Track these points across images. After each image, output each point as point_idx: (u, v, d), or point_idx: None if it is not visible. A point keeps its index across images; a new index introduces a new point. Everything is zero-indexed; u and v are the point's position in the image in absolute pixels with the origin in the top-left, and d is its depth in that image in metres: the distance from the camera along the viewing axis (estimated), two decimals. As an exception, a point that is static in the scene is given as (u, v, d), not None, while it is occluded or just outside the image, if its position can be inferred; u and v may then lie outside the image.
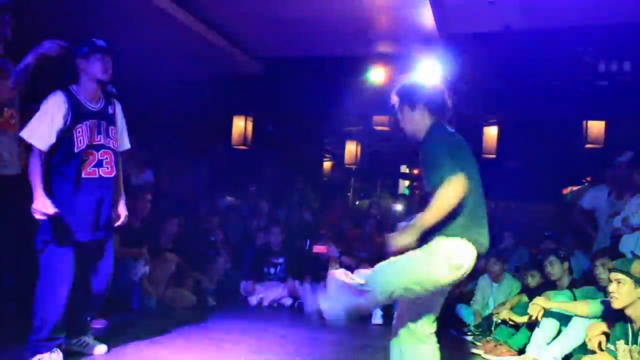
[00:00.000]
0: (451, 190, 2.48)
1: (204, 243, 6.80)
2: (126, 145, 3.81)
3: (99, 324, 4.29)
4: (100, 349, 3.76)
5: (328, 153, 12.02)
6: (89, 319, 3.79)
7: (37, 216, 3.22)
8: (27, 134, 3.30)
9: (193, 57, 7.46)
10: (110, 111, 3.62)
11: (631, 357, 3.28)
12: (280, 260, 6.87)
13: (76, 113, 3.39)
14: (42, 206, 3.20)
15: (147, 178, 6.51)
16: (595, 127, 8.07)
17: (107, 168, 3.52)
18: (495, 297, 5.54)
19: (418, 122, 2.84)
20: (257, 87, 8.54)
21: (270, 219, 7.77)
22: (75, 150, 3.39)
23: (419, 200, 11.17)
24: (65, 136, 3.36)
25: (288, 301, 6.53)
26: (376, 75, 7.76)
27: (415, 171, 13.38)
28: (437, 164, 2.59)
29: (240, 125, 9.09)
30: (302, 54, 7.76)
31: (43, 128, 3.31)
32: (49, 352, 3.35)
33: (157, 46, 6.75)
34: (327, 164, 12.38)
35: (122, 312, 5.08)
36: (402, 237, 2.54)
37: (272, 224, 7.34)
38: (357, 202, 12.82)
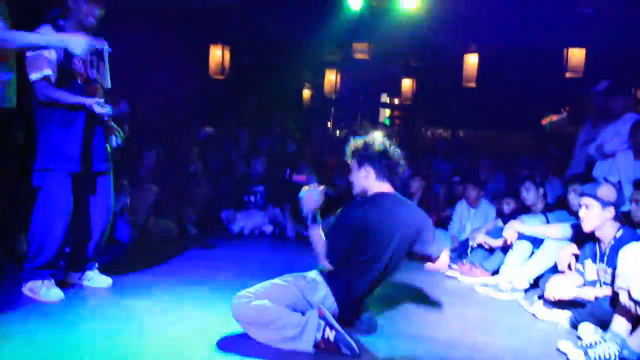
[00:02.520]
0: None
1: (184, 174, 6.79)
2: (108, 84, 3.81)
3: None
4: (104, 281, 3.75)
5: (307, 82, 11.85)
6: (92, 253, 3.73)
7: (99, 110, 3.38)
8: (32, 71, 3.26)
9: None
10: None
11: (598, 275, 3.43)
12: (260, 188, 6.91)
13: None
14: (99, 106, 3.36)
15: (122, 109, 6.38)
16: (576, 56, 8.03)
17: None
18: (472, 222, 5.68)
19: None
20: (234, 16, 8.30)
21: (251, 149, 7.75)
22: (74, 83, 3.41)
23: (398, 130, 11.19)
24: (64, 70, 3.36)
25: (269, 228, 6.62)
26: (354, 1, 7.56)
27: (396, 100, 13.33)
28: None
29: (218, 55, 8.91)
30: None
31: (44, 62, 3.26)
32: (41, 280, 3.36)
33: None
34: (306, 93, 12.23)
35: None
36: None
37: (252, 154, 7.32)
38: (337, 132, 12.79)
